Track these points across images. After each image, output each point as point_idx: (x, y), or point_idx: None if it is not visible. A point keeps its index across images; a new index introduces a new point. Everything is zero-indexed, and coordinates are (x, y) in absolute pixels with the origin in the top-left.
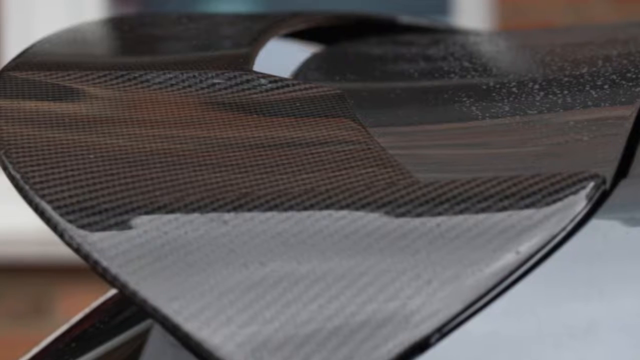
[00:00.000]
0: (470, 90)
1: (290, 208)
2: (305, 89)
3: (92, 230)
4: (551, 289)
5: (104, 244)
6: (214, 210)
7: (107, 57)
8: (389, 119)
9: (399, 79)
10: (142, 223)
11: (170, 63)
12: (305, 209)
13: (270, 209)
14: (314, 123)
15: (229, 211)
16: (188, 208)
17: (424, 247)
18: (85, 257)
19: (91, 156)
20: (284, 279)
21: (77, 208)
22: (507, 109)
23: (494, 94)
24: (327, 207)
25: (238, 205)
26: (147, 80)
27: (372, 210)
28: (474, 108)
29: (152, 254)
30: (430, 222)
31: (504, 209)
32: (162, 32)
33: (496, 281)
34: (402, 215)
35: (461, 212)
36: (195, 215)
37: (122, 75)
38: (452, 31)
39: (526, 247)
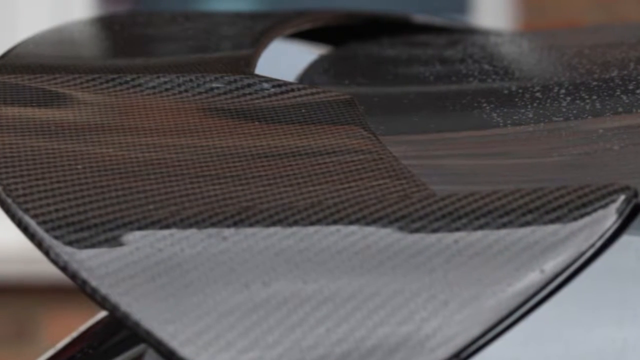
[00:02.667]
0: (491, 95)
1: (295, 223)
2: (312, 93)
3: (80, 247)
4: (579, 311)
5: (93, 262)
6: (213, 225)
7: (96, 60)
8: (402, 126)
9: (413, 82)
10: (135, 239)
11: (165, 66)
12: (312, 224)
13: (273, 224)
14: (320, 131)
15: (228, 226)
16: (184, 223)
17: (440, 265)
18: (73, 276)
19: (79, 167)
20: (288, 300)
21: (63, 223)
22: (530, 115)
23: (516, 100)
24: (335, 222)
25: (239, 219)
26: (140, 85)
27: (384, 226)
28: (494, 114)
29: (145, 273)
30: (446, 238)
31: (527, 224)
32: (156, 32)
33: (519, 302)
34: (417, 230)
35: (480, 227)
36: (192, 230)
37: (112, 79)
38: (471, 31)
39: (552, 265)
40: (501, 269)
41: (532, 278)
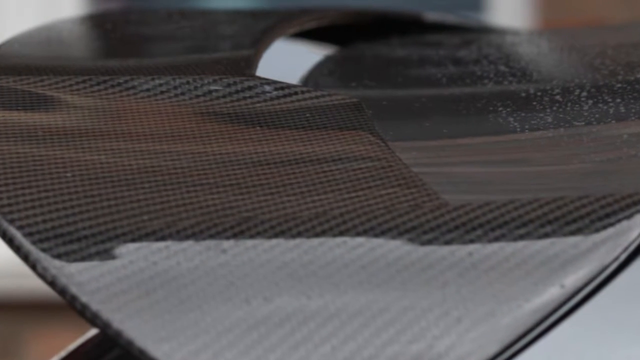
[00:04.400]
0: (507, 98)
1: (299, 234)
2: (316, 97)
3: (69, 260)
4: (602, 330)
5: (83, 276)
6: (211, 237)
7: (86, 60)
8: (412, 132)
9: (425, 85)
10: (128, 252)
11: (160, 67)
12: (316, 235)
13: (275, 235)
14: (326, 137)
15: (228, 238)
16: (181, 235)
17: (453, 279)
18: (62, 291)
19: (68, 174)
20: (291, 316)
21: (51, 234)
22: (549, 120)
23: (534, 103)
24: (341, 234)
25: (238, 231)
26: (134, 87)
27: (393, 237)
28: (511, 119)
29: (139, 288)
30: (460, 250)
31: (546, 235)
32: (151, 31)
33: (537, 319)
34: (428, 242)
35: (496, 239)
36: (189, 242)
37: (104, 81)
38: (486, 30)
39: (572, 280)
40: (518, 283)
41: (552, 294)
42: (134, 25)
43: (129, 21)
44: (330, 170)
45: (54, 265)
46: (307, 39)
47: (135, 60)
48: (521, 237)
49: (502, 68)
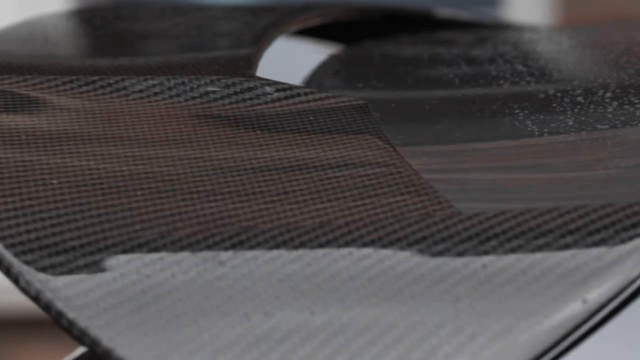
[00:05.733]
0: (525, 99)
1: (302, 245)
2: (320, 99)
3: (55, 274)
4: (628, 348)
5: (70, 291)
6: (208, 248)
7: (73, 59)
8: (422, 136)
9: (436, 86)
10: (119, 264)
11: (154, 67)
12: (320, 246)
13: (277, 246)
14: (330, 141)
15: (226, 249)
16: (176, 245)
17: (466, 293)
18: (46, 306)
19: (54, 181)
20: (293, 332)
21: (36, 246)
22: (570, 123)
23: (554, 105)
24: (346, 244)
25: (238, 241)
26: (125, 88)
27: (402, 248)
28: (528, 122)
29: (130, 303)
30: (473, 262)
31: (567, 247)
32: (143, 28)
33: (557, 337)
34: (439, 254)
35: (512, 250)
36: (185, 254)
37: (92, 82)
38: (502, 27)
39: (595, 294)
40: (537, 298)
41: (573, 309)
42: (125, 21)
43: (120, 17)
44: (335, 177)
45: (39, 279)
46: (311, 37)
47: (127, 59)
48: (539, 249)
49: (519, 67)
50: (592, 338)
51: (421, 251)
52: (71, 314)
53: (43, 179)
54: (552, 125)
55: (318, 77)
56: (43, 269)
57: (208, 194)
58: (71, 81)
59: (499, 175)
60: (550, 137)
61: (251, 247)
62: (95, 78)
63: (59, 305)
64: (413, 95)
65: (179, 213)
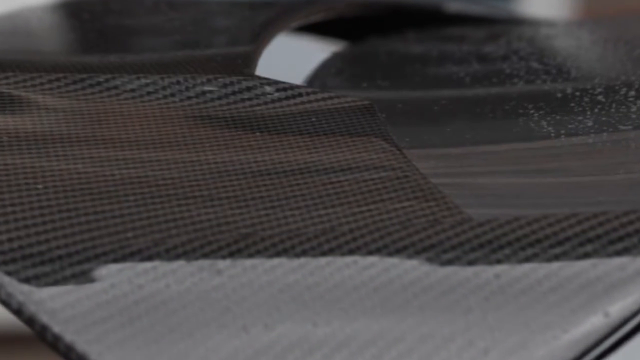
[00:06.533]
0: (541, 99)
1: (304, 253)
2: (323, 99)
3: (39, 285)
4: None
5: (55, 303)
6: (205, 256)
7: (59, 55)
8: (431, 138)
9: (446, 85)
10: (109, 274)
11: (146, 64)
12: (323, 254)
13: (277, 254)
14: (334, 143)
15: (223, 257)
16: (170, 254)
17: (478, 305)
18: (30, 320)
19: (39, 186)
20: (295, 346)
21: (19, 255)
22: (590, 123)
23: (572, 104)
24: (351, 252)
25: (236, 249)
26: (116, 87)
27: (410, 257)
28: (544, 123)
29: (121, 315)
30: (485, 272)
31: (587, 256)
32: (135, 23)
33: (577, 353)
34: (449, 263)
35: (527, 259)
36: (180, 263)
37: (80, 80)
38: (517, 22)
39: (618, 307)
40: (554, 310)
41: (593, 323)
42: (116, 15)
43: (110, 10)
44: (339, 182)
45: (21, 290)
46: (313, 33)
47: (117, 56)
48: (557, 258)
49: (535, 65)
50: (615, 355)
51: (430, 260)
52: (57, 328)
53: (27, 184)
54: (570, 126)
55: (321, 76)
56: (26, 280)
57: (204, 199)
58: (57, 79)
59: (513, 180)
60: (568, 139)
61: (250, 256)
62: (84, 76)
63: (44, 318)
64: (421, 95)
65: (174, 219)
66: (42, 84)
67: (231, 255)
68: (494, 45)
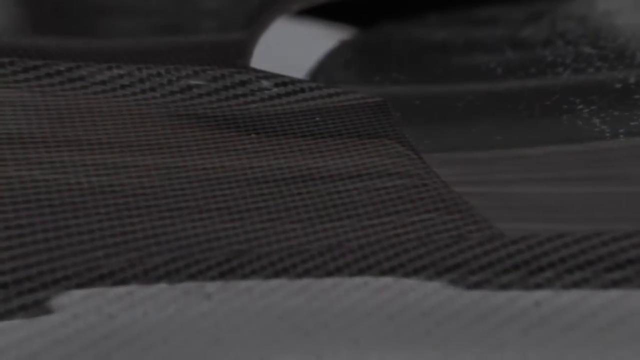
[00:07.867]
0: (592, 92)
1: (307, 273)
2: (329, 95)
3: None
4: None
5: (2, 340)
6: (191, 277)
7: (15, 40)
8: (455, 140)
9: (473, 77)
10: (72, 303)
11: (121, 52)
12: (329, 274)
13: (275, 274)
14: (341, 147)
15: (213, 279)
16: (148, 276)
17: (514, 338)
18: None
19: None
20: None
21: None
22: None
23: (635, 97)
24: (360, 272)
25: (227, 269)
26: (82, 78)
27: (431, 278)
28: (597, 121)
29: (86, 353)
30: (523, 299)
31: None
32: (108, 2)
33: None
34: (477, 286)
35: (576, 285)
36: (160, 286)
37: (35, 68)
38: None
39: None
40: (613, 351)
41: None
42: None
43: None
44: (347, 191)
45: None
46: (317, 17)
47: (83, 40)
48: (614, 284)
49: (587, 50)
50: None
51: (454, 282)
52: None
53: None
54: (632, 124)
55: (326, 68)
56: None
57: (190, 211)
58: (2, 65)
59: (555, 189)
60: (627, 140)
61: (244, 277)
62: (39, 63)
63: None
64: (443, 89)
65: (154, 235)
66: None
67: (222, 276)
68: (533, 28)
